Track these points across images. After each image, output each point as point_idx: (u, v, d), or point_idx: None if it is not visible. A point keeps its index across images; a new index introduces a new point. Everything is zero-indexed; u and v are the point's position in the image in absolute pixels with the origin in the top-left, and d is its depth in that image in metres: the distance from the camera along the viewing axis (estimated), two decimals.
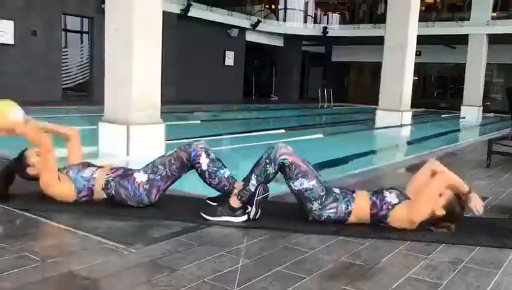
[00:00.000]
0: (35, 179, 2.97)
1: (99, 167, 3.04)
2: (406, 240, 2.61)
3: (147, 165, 2.97)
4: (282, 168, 2.74)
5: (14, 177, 3.04)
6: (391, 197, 2.77)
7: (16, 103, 3.01)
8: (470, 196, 2.80)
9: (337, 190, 2.82)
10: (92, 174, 2.96)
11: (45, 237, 2.41)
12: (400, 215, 2.71)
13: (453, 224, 2.76)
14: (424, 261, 2.33)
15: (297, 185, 2.74)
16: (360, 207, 2.76)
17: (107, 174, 2.95)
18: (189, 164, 2.88)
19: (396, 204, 2.73)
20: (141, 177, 2.89)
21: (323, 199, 2.74)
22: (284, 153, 2.74)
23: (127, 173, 2.95)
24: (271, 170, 2.74)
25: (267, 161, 2.75)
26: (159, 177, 2.89)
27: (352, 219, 2.78)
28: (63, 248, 2.30)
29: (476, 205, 2.78)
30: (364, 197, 2.80)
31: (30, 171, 2.98)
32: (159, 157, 2.98)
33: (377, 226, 2.75)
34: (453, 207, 2.74)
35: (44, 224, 2.61)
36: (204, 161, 2.85)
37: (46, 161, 2.90)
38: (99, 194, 2.95)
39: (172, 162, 2.89)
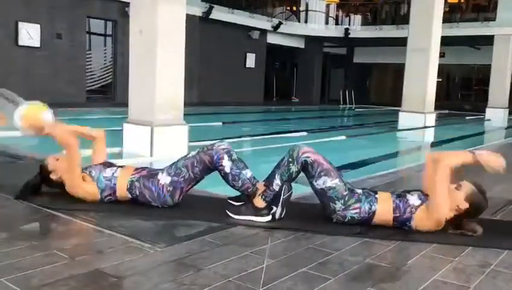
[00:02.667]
0: (61, 184, 3.04)
1: (120, 167, 3.08)
2: (432, 242, 2.57)
3: (170, 166, 2.97)
4: (305, 167, 2.74)
5: (40, 189, 3.13)
6: (413, 199, 2.72)
7: (45, 105, 3.09)
8: (478, 159, 2.65)
9: (359, 191, 2.80)
10: (113, 174, 2.99)
11: (73, 236, 2.46)
12: (424, 217, 2.66)
13: (480, 227, 2.70)
14: (451, 264, 2.30)
15: (320, 183, 2.73)
16: (383, 209, 2.73)
17: (131, 175, 2.98)
18: (212, 167, 2.88)
19: (419, 206, 2.68)
20: (165, 179, 2.90)
21: (346, 198, 2.72)
22: (307, 151, 2.75)
23: (151, 174, 2.98)
24: (294, 168, 2.74)
25: (290, 160, 2.75)
26: (182, 179, 2.90)
27: (375, 220, 2.75)
28: (90, 246, 2.34)
29: (491, 161, 2.64)
30: (387, 200, 2.75)
31: (53, 176, 3.05)
32: (182, 158, 2.99)
33: (401, 229, 2.71)
34: (474, 197, 2.66)
35: (72, 223, 2.66)
36: (227, 164, 2.83)
37: (71, 160, 2.95)
38: (124, 194, 2.98)
39: (195, 164, 2.89)
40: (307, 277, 2.05)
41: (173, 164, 2.99)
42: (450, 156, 2.78)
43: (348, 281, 2.04)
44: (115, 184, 2.96)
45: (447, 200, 2.64)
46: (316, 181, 2.74)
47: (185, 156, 3.00)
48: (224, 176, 2.87)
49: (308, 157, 2.72)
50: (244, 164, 2.92)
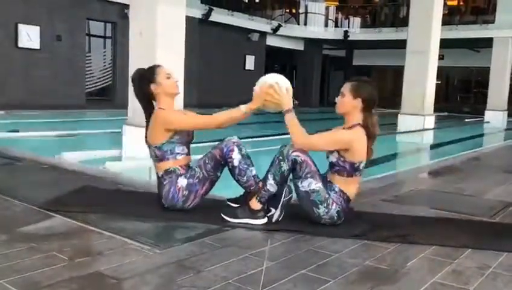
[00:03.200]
0: (152, 98, 3.00)
1: (187, 154, 3.00)
2: (431, 244, 2.58)
3: (187, 170, 2.95)
4: (294, 165, 2.73)
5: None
6: (332, 157, 2.80)
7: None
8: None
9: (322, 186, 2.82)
10: (177, 154, 2.92)
11: (72, 237, 2.45)
12: (347, 153, 2.75)
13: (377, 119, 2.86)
14: (450, 266, 2.30)
15: (305, 185, 2.73)
16: (341, 181, 2.80)
17: (180, 165, 2.93)
18: (223, 161, 2.86)
19: (336, 155, 2.77)
20: (182, 182, 2.88)
21: (328, 201, 2.74)
22: (297, 150, 2.74)
23: (181, 175, 2.93)
24: (285, 166, 2.73)
25: (280, 157, 2.75)
26: (197, 180, 2.88)
27: (349, 193, 2.80)
28: (89, 248, 2.33)
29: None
30: (332, 175, 2.83)
31: (153, 86, 2.96)
32: (195, 161, 2.99)
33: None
34: (357, 88, 2.80)
35: (71, 224, 2.66)
36: (236, 157, 2.82)
37: (208, 120, 2.98)
38: (159, 170, 2.94)
39: (207, 161, 2.88)
40: (306, 279, 2.05)
41: (189, 168, 2.98)
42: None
43: (348, 284, 2.04)
44: (167, 159, 2.92)
45: (311, 138, 2.81)
46: (301, 183, 2.74)
47: (199, 159, 2.98)
48: (232, 169, 2.86)
49: (298, 156, 2.72)
50: (251, 161, 2.90)
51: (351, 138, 2.77)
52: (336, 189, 2.79)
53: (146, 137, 3.04)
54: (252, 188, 2.85)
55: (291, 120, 2.80)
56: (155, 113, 2.97)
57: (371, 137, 2.83)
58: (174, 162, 2.93)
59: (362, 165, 2.81)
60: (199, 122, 3.04)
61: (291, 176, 2.80)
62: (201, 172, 2.89)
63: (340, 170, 2.79)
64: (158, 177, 2.97)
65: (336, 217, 2.77)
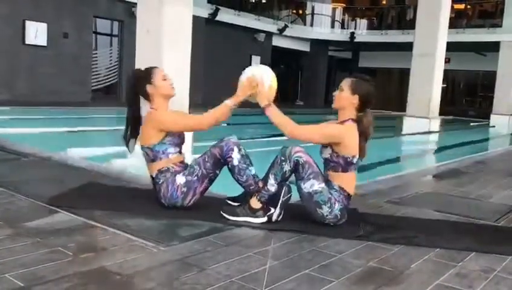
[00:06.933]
0: (147, 98, 3.01)
1: (179, 152, 3.02)
2: (435, 247, 2.57)
3: (186, 168, 2.97)
4: (296, 167, 2.73)
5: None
6: (325, 152, 2.81)
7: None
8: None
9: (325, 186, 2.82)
10: (170, 153, 2.94)
11: (77, 233, 2.46)
12: (339, 147, 2.76)
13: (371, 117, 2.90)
14: (454, 268, 2.30)
15: (307, 186, 2.73)
16: (336, 177, 2.79)
17: (174, 163, 2.95)
18: (222, 160, 2.87)
19: (329, 151, 2.78)
20: (180, 180, 2.89)
21: (332, 201, 2.74)
22: (299, 150, 2.75)
23: (178, 173, 2.95)
24: (287, 167, 2.74)
25: (282, 158, 2.75)
26: (196, 178, 2.89)
27: (347, 190, 2.80)
28: (94, 244, 2.34)
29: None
30: (328, 172, 2.83)
31: (149, 88, 2.98)
32: (194, 159, 3.00)
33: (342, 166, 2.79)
34: (356, 85, 2.83)
35: (75, 220, 2.67)
36: (236, 156, 2.84)
37: (196, 120, 2.99)
38: (153, 171, 2.96)
39: (206, 160, 2.90)
40: (309, 279, 2.06)
41: (188, 165, 2.99)
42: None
43: (351, 284, 2.04)
44: (160, 159, 2.93)
45: (303, 129, 2.82)
46: (304, 183, 2.74)
47: (198, 156, 2.99)
48: (231, 169, 2.87)
49: (300, 157, 2.72)
50: (250, 161, 2.91)
51: (341, 132, 2.78)
52: (336, 187, 2.79)
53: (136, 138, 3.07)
54: (251, 187, 2.85)
55: (275, 113, 2.81)
56: (148, 113, 2.99)
57: (362, 135, 2.84)
58: (167, 161, 2.94)
59: (355, 159, 2.81)
60: (190, 123, 3.06)
61: (292, 176, 2.80)
62: (200, 170, 2.90)
63: (334, 166, 2.80)
64: (152, 178, 2.99)
65: (339, 216, 2.77)
